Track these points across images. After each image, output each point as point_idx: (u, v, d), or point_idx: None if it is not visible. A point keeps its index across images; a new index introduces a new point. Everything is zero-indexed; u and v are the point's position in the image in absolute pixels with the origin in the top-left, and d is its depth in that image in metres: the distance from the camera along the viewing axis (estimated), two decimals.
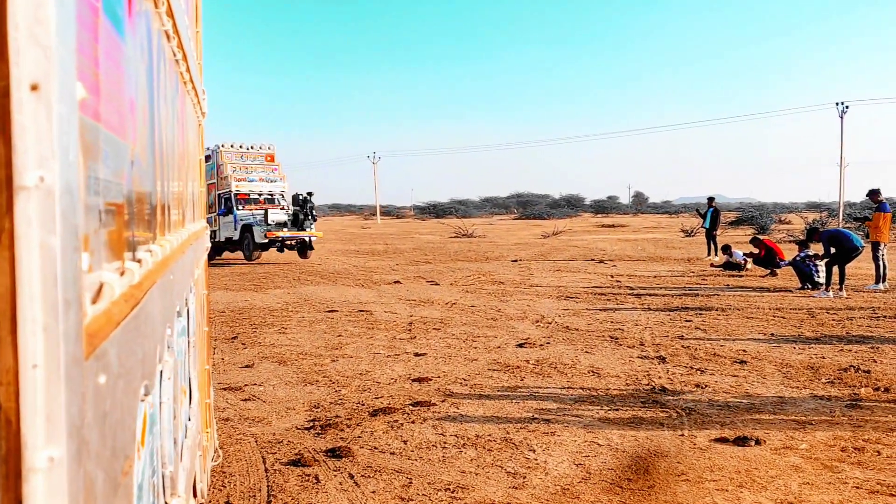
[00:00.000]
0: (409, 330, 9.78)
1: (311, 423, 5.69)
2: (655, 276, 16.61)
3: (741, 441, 5.13)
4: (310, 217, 21.16)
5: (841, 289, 13.16)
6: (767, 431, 5.37)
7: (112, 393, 0.76)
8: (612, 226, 48.42)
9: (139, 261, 1.12)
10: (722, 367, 7.42)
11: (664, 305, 11.99)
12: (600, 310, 11.50)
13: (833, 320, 10.20)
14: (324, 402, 6.32)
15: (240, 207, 21.64)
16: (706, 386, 6.67)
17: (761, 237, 18.22)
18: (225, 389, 6.76)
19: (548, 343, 8.75)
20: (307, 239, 21.34)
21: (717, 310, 11.34)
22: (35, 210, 0.53)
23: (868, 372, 7.10)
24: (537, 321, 10.43)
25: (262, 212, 21.25)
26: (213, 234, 21.80)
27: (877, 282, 13.81)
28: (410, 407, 6.10)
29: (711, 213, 21.66)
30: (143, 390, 1.03)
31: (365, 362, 7.84)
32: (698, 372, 7.24)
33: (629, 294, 13.45)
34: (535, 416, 5.85)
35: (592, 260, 20.95)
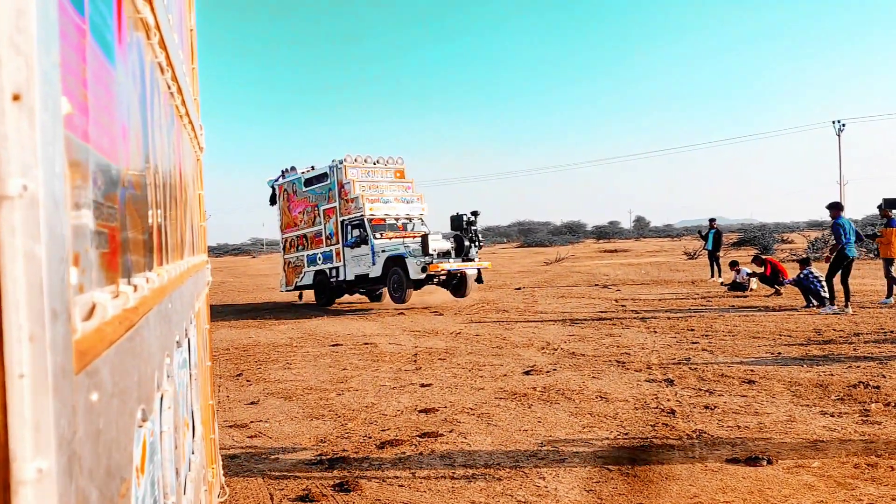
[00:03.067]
0: (415, 361, 9.73)
1: (319, 458, 5.65)
2: (660, 300, 16.56)
3: (753, 461, 5.07)
4: (476, 243, 16.98)
5: (846, 305, 13.10)
6: (779, 451, 5.31)
7: (106, 411, 0.75)
8: (615, 251, 48.40)
9: (135, 286, 1.11)
10: (730, 388, 7.37)
11: (670, 328, 11.93)
12: (606, 335, 11.45)
13: (840, 337, 10.14)
14: (330, 436, 6.27)
15: (377, 235, 17.42)
16: (715, 407, 6.62)
17: (764, 257, 18.19)
18: (231, 427, 6.72)
19: (554, 369, 8.70)
20: (477, 271, 17.08)
21: (723, 331, 11.29)
22: (19, 219, 0.52)
23: (878, 388, 7.04)
24: (543, 348, 10.38)
25: (415, 240, 17.13)
26: (332, 271, 18.29)
27: (888, 296, 13.78)
28: (418, 438, 6.05)
29: (713, 235, 21.66)
30: (140, 414, 1.02)
31: (371, 395, 7.79)
32: (707, 393, 7.19)
33: (634, 318, 13.40)
34: (544, 443, 5.80)
35: (596, 285, 20.91)
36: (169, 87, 2.05)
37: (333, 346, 11.41)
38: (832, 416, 6.18)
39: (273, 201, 20.56)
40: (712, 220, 22.61)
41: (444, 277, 16.45)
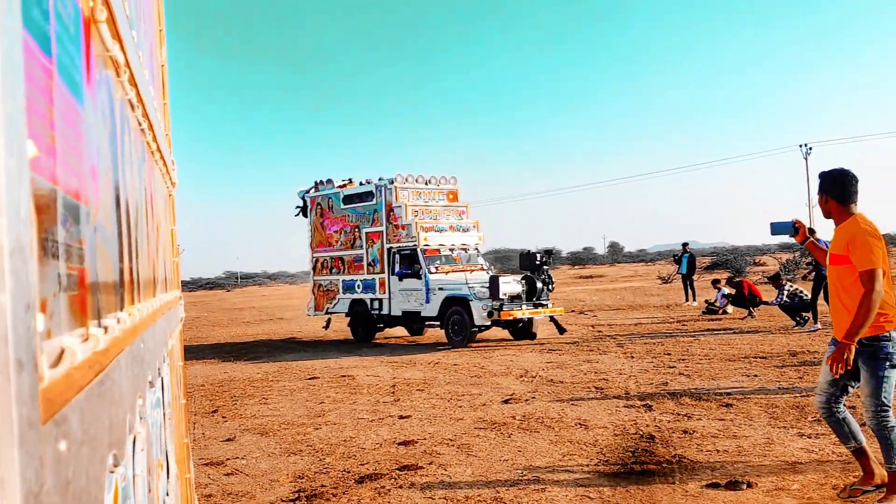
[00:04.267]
0: (393, 392, 9.66)
1: (297, 495, 5.56)
2: (636, 324, 16.64)
3: (733, 485, 5.07)
4: (549, 285, 14.97)
5: (815, 321, 13.43)
6: (758, 474, 5.32)
7: (75, 460, 0.73)
8: (590, 276, 48.64)
9: (105, 328, 1.09)
10: (708, 412, 7.39)
11: (647, 353, 11.97)
12: (584, 361, 11.45)
13: (815, 358, 10.23)
14: (308, 471, 6.19)
15: (431, 269, 15.29)
16: (694, 432, 6.63)
17: (738, 279, 18.41)
18: (207, 465, 6.60)
19: (533, 397, 8.67)
20: (552, 318, 14.86)
21: (699, 354, 11.35)
22: None
23: (853, 408, 7.08)
24: (521, 376, 10.36)
25: (477, 277, 14.94)
26: (374, 303, 16.28)
27: None
28: (397, 471, 5.99)
29: (687, 259, 21.87)
30: (111, 459, 1.00)
31: (349, 428, 7.71)
32: (685, 418, 7.20)
33: (611, 343, 13.43)
34: (525, 473, 5.76)
35: (573, 311, 20.96)
36: (140, 124, 2.03)
37: (310, 379, 11.29)
38: (809, 437, 6.21)
39: (305, 213, 18.42)
40: (685, 245, 22.87)
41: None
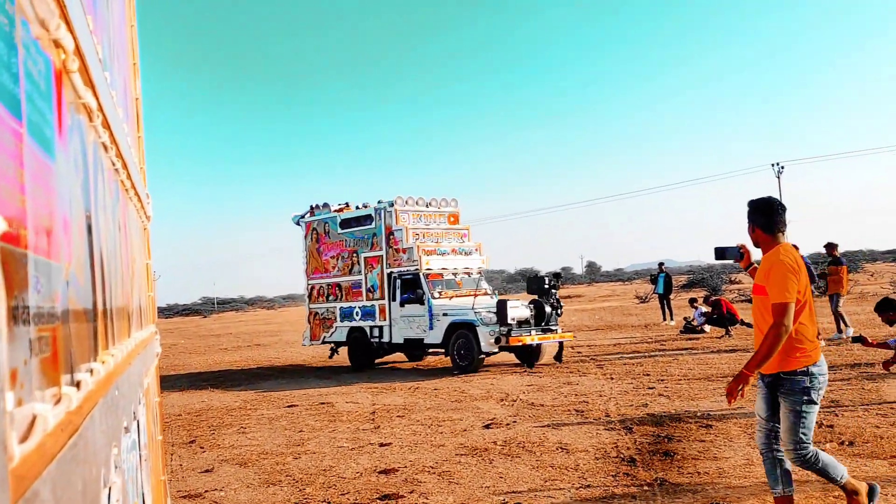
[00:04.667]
0: (373, 419, 9.59)
1: None
2: (615, 345, 16.68)
3: None
4: (557, 310, 14.38)
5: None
6: (739, 496, 5.33)
7: None
8: (568, 296, 48.78)
9: (78, 383, 1.07)
10: (688, 433, 7.40)
11: (626, 374, 12.00)
12: (564, 383, 11.45)
13: None
14: (288, 502, 6.11)
15: (435, 294, 14.70)
16: (675, 454, 6.63)
17: (715, 297, 18.57)
18: (185, 497, 6.50)
19: (514, 422, 8.65)
20: (558, 345, 14.12)
21: (677, 375, 11.39)
22: None
23: (831, 427, 7.15)
24: (502, 399, 10.33)
25: (483, 302, 14.28)
26: (374, 331, 15.64)
27: (838, 332, 14.19)
28: (378, 501, 5.93)
29: (663, 279, 21.99)
30: None
31: (328, 457, 7.64)
32: (666, 440, 7.21)
33: (591, 364, 13.45)
34: (507, 499, 5.73)
35: None
36: (113, 164, 2.02)
37: (289, 407, 11.19)
38: None
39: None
40: (661, 264, 23.02)
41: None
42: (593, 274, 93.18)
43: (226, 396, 12.92)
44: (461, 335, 13.86)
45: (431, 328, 14.44)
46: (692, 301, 19.49)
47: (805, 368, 4.20)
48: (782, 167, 49.14)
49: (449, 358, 14.38)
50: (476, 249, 16.02)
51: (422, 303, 14.61)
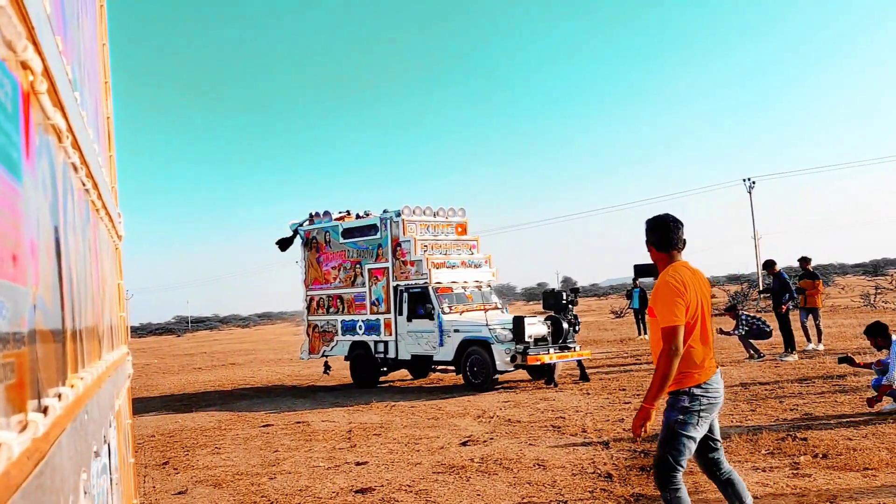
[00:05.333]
0: (349, 438, 9.52)
1: None
2: (590, 360, 16.72)
3: None
4: (575, 326, 13.83)
5: (761, 355, 13.79)
6: None
7: None
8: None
9: (45, 409, 1.06)
10: None
11: (602, 388, 12.04)
12: (540, 399, 11.46)
13: (765, 390, 10.39)
14: None
15: (445, 309, 13.97)
16: (651, 469, 6.64)
17: None
18: None
19: (491, 438, 8.63)
20: (579, 363, 13.60)
21: None
22: None
23: (805, 440, 7.20)
24: (479, 416, 10.31)
25: (498, 317, 13.74)
26: (379, 346, 14.92)
27: (812, 342, 14.37)
28: None
29: (638, 294, 22.13)
30: None
31: (304, 477, 7.56)
32: (642, 455, 7.22)
33: (567, 379, 13.47)
34: None
35: None
36: (84, 184, 2.00)
37: (264, 426, 11.08)
38: (764, 471, 6.28)
39: (284, 246, 16.76)
40: (636, 279, 23.13)
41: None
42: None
43: (200, 416, 12.77)
44: (474, 352, 13.25)
45: (442, 344, 13.77)
46: None
47: (687, 389, 4.03)
48: (753, 182, 49.76)
49: (460, 375, 13.76)
50: (486, 262, 15.35)
51: (431, 318, 13.91)
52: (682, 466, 4.01)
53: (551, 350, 13.05)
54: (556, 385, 13.01)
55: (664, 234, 4.25)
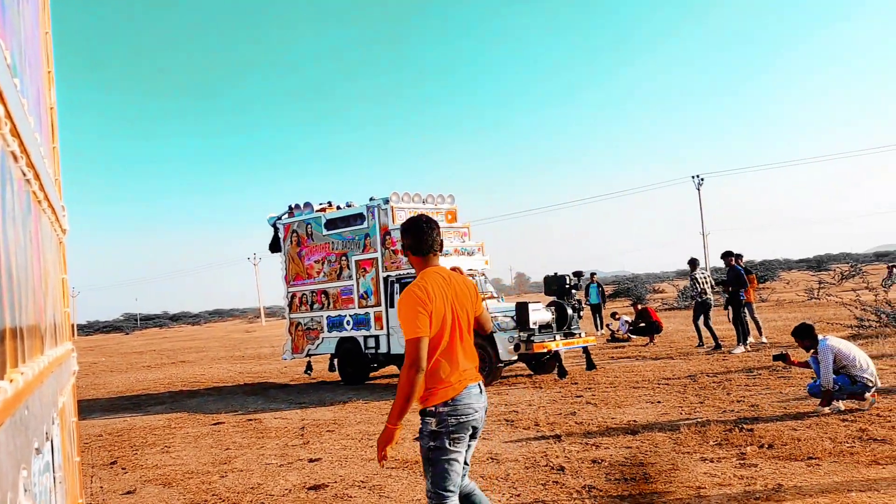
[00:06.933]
0: (302, 435, 9.45)
1: None
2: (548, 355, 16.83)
3: None
4: (578, 312, 13.50)
5: (744, 342, 14.18)
6: (665, 501, 5.43)
7: None
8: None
9: None
10: (615, 440, 7.52)
11: (554, 383, 12.15)
12: (493, 393, 11.51)
13: (713, 383, 10.59)
14: None
15: None
16: (602, 461, 6.73)
17: (640, 306, 19.05)
18: None
19: None
20: (585, 349, 13.43)
21: (605, 383, 11.58)
22: None
23: (751, 430, 7.36)
24: None
25: (499, 306, 13.32)
26: (369, 341, 14.29)
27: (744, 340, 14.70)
28: None
29: (596, 289, 22.24)
30: None
31: (256, 475, 7.48)
32: (594, 447, 7.31)
33: (520, 375, 13.56)
34: None
35: None
36: (24, 174, 1.94)
37: (215, 424, 10.93)
38: (712, 461, 6.40)
39: (276, 247, 16.07)
40: (593, 274, 23.27)
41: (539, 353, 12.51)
42: (522, 285, 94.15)
43: (149, 415, 12.55)
44: (475, 344, 12.58)
45: None
46: (613, 314, 20.18)
47: (433, 408, 3.70)
48: (702, 179, 50.68)
49: None
50: (478, 249, 14.61)
51: None
52: (452, 490, 3.69)
53: (557, 337, 12.66)
54: (566, 375, 12.60)
55: (417, 236, 3.92)
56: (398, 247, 3.84)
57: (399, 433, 3.67)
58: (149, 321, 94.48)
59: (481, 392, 3.83)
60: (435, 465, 3.66)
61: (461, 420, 3.69)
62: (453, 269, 4.04)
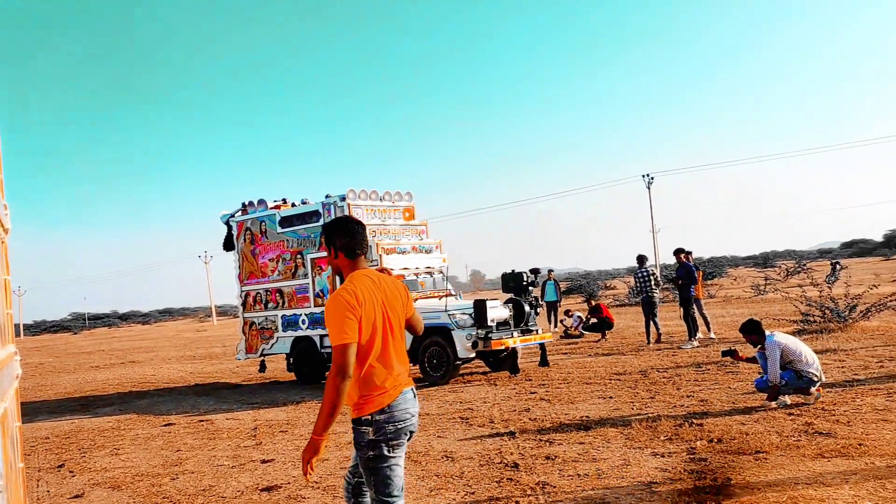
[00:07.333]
0: (255, 436, 9.35)
1: None
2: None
3: None
4: (535, 309, 13.63)
5: (693, 338, 14.46)
6: (617, 496, 5.51)
7: None
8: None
9: None
10: (568, 436, 7.60)
11: (509, 379, 12.22)
12: (449, 391, 11.54)
13: (664, 378, 10.76)
14: None
15: None
16: (556, 457, 6.79)
17: (594, 302, 19.31)
18: None
19: None
20: (541, 346, 13.61)
21: (558, 379, 11.69)
22: None
23: (701, 425, 7.50)
24: None
25: (457, 304, 13.16)
26: (325, 339, 14.00)
27: (695, 333, 14.96)
28: None
29: (553, 286, 22.36)
30: None
31: (208, 476, 7.38)
32: (547, 444, 7.37)
33: (476, 372, 13.62)
34: None
35: None
36: None
37: (166, 426, 10.75)
38: (663, 456, 6.50)
39: (229, 245, 15.69)
40: (550, 271, 23.34)
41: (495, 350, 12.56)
42: (478, 282, 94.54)
43: (98, 417, 12.30)
44: (433, 342, 12.61)
45: None
46: (567, 312, 20.45)
47: (369, 417, 3.55)
48: (652, 178, 51.41)
49: (416, 367, 12.99)
50: (436, 247, 14.61)
51: None
52: (397, 495, 3.60)
53: (515, 334, 12.79)
54: (518, 372, 12.82)
55: (352, 237, 3.76)
56: (327, 249, 3.52)
57: (325, 444, 3.52)
58: (97, 320, 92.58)
59: (414, 396, 3.72)
60: (377, 473, 3.55)
61: (399, 426, 3.58)
62: (381, 269, 3.89)
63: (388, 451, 3.54)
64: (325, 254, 13.38)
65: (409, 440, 3.68)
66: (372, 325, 3.55)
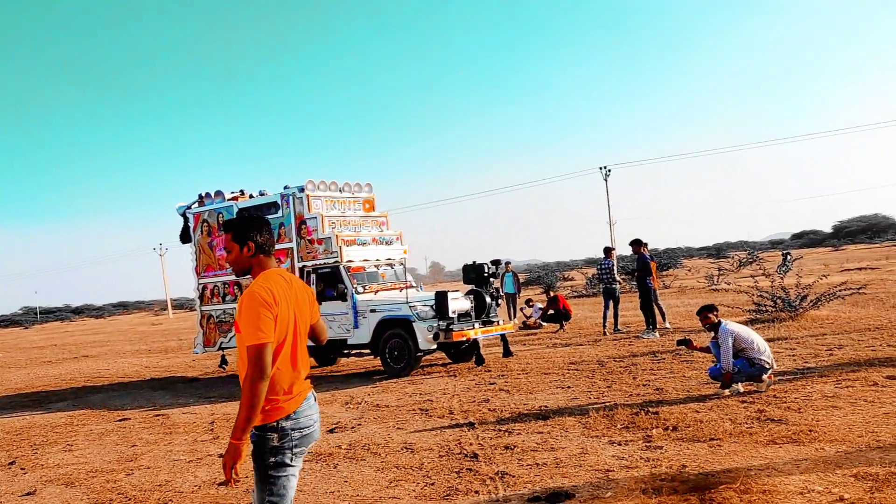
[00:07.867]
0: (212, 430, 9.26)
1: None
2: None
3: (553, 498, 5.27)
4: (496, 300, 13.69)
5: (653, 329, 14.62)
6: (576, 484, 5.57)
7: None
8: None
9: None
10: (527, 426, 7.66)
11: (468, 371, 12.27)
12: (409, 383, 11.55)
13: (620, 367, 10.90)
14: None
15: (359, 289, 13.18)
16: (515, 447, 6.84)
17: (552, 294, 19.48)
18: None
19: (359, 424, 8.62)
20: (502, 337, 13.70)
21: (517, 369, 11.77)
22: None
23: (657, 414, 7.62)
24: (347, 402, 10.28)
25: (418, 296, 13.15)
26: None
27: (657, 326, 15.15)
28: None
29: (511, 278, 22.42)
30: None
31: (164, 471, 7.29)
32: (506, 433, 7.42)
33: (435, 364, 13.64)
34: None
35: None
36: None
37: (121, 421, 10.59)
38: (619, 444, 6.60)
39: (186, 237, 15.44)
40: (508, 263, 23.43)
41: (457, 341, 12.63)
42: (437, 274, 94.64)
43: (50, 412, 12.06)
44: (394, 334, 12.57)
45: (357, 326, 12.93)
46: (528, 302, 20.65)
47: (274, 423, 3.36)
48: (609, 170, 51.85)
49: (378, 359, 13.10)
50: (397, 239, 14.59)
51: (344, 298, 12.99)
52: None
53: (476, 326, 12.81)
54: (483, 363, 12.86)
55: (269, 233, 3.67)
56: (236, 247, 3.38)
57: (247, 449, 3.30)
58: (49, 314, 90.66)
59: (315, 401, 3.61)
60: (274, 483, 3.35)
61: (304, 433, 3.44)
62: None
63: (290, 460, 3.38)
64: (283, 246, 13.64)
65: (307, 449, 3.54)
66: (285, 326, 3.41)
